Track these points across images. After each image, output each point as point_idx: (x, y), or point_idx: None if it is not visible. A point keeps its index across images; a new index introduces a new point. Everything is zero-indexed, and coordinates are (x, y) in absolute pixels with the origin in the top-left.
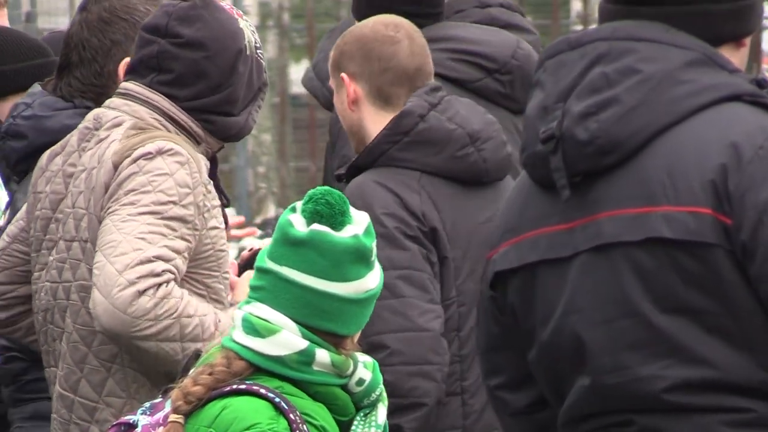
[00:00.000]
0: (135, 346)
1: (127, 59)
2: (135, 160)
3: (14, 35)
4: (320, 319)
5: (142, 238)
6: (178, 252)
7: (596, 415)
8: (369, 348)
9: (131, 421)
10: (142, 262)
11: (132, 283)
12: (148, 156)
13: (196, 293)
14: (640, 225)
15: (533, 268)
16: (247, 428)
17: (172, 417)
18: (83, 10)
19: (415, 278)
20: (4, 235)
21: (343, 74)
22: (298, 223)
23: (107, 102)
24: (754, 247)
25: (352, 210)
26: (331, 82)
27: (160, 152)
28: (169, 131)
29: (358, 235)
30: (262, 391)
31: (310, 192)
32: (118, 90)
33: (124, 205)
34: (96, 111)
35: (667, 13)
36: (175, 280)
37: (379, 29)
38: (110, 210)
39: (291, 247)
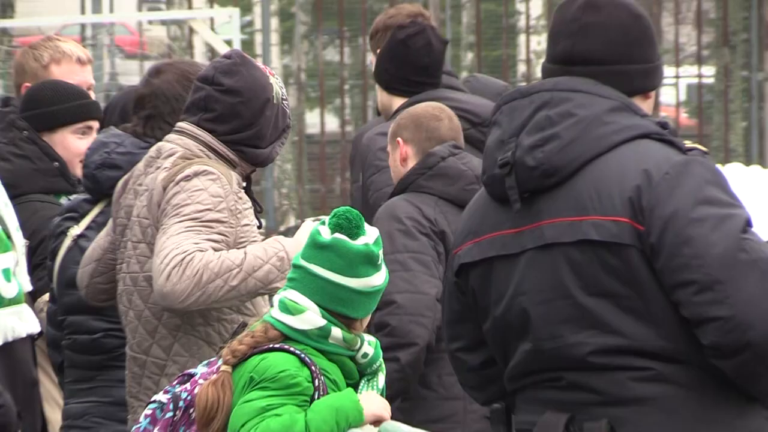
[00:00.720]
0: (196, 309)
1: None
2: (177, 183)
3: (62, 84)
4: (336, 305)
5: (182, 238)
6: (215, 242)
7: (535, 372)
8: (383, 304)
9: (192, 373)
10: (176, 254)
11: (165, 270)
12: (187, 178)
13: None
14: (574, 230)
15: (491, 262)
16: (279, 372)
17: (222, 367)
18: (159, 72)
19: (422, 259)
20: (97, 248)
21: (398, 139)
22: (324, 233)
23: (167, 137)
24: (660, 248)
25: (366, 226)
26: (389, 147)
27: (196, 174)
28: (210, 158)
29: (369, 244)
30: (291, 348)
31: (335, 210)
32: (174, 128)
33: (171, 216)
34: (159, 144)
35: (594, 71)
36: (199, 251)
37: (428, 110)
38: (162, 222)
39: (318, 250)
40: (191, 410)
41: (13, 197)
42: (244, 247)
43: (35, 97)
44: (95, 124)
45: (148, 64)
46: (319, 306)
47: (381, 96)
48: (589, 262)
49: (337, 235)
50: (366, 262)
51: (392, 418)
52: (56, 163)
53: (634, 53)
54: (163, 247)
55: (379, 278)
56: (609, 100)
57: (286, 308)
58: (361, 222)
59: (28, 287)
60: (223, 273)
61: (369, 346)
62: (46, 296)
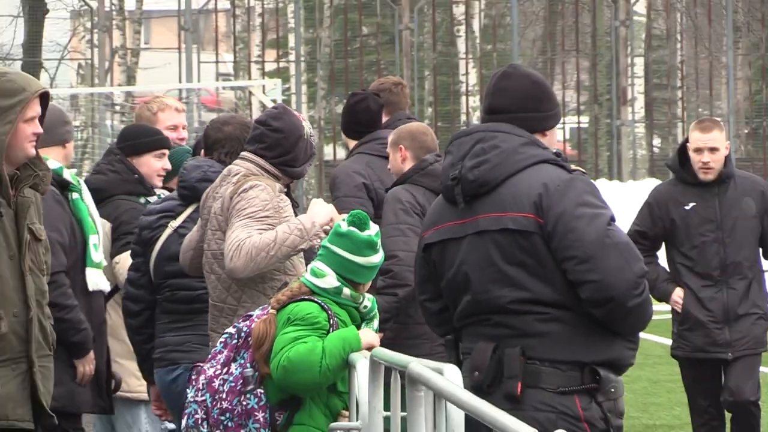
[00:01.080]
0: (252, 275)
1: None
2: (239, 194)
3: (145, 125)
4: (347, 273)
5: (240, 231)
6: (264, 230)
7: (473, 315)
8: (388, 257)
9: (251, 314)
10: (234, 242)
11: (228, 254)
12: (245, 190)
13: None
14: (498, 222)
15: (445, 242)
16: (307, 314)
17: (270, 311)
18: (227, 123)
19: (415, 230)
20: (192, 240)
21: (400, 146)
22: (343, 226)
23: (234, 162)
24: (553, 234)
25: (371, 223)
26: (390, 149)
27: (251, 187)
28: (262, 175)
29: (371, 235)
30: (315, 299)
31: (352, 211)
32: (239, 155)
33: (234, 217)
34: (229, 167)
35: (511, 118)
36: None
37: (420, 128)
38: (230, 221)
39: (337, 237)
40: (249, 339)
41: (106, 198)
42: None
43: (128, 134)
44: (166, 152)
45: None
46: (336, 273)
47: (345, 138)
48: (508, 243)
49: (351, 227)
50: (369, 247)
51: (382, 344)
52: (136, 176)
53: (532, 106)
54: (229, 238)
55: (377, 258)
56: (521, 137)
57: (314, 273)
58: (368, 220)
59: (105, 262)
60: (264, 247)
61: (368, 301)
62: (127, 264)
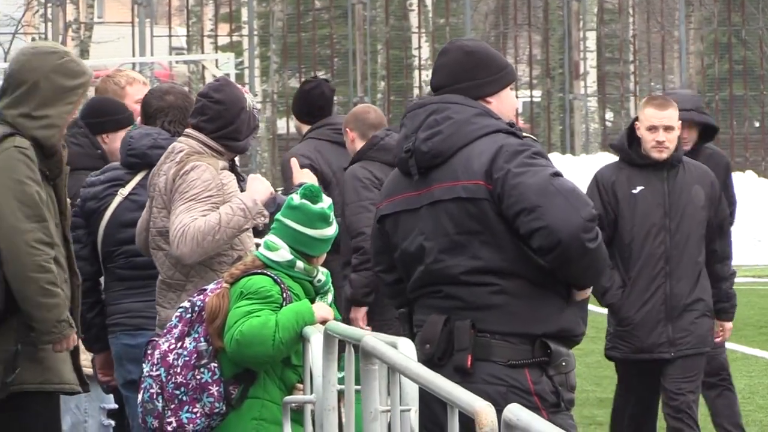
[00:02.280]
0: (200, 260)
1: None
2: (180, 176)
3: (111, 101)
4: (300, 246)
5: (183, 215)
6: (206, 212)
7: (425, 286)
8: (356, 234)
9: (205, 288)
10: (178, 227)
11: (174, 241)
12: (186, 172)
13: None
14: (451, 191)
15: (399, 214)
16: (259, 287)
17: (223, 284)
18: (168, 93)
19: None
20: (144, 221)
21: (347, 129)
22: (295, 198)
23: (179, 138)
24: (502, 194)
25: (324, 196)
26: (344, 137)
27: (192, 168)
28: (204, 153)
29: (324, 207)
30: (268, 272)
31: (305, 184)
32: (184, 132)
33: (177, 200)
34: (173, 143)
35: (459, 89)
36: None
37: (363, 108)
38: (173, 203)
39: (290, 210)
40: (203, 313)
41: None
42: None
43: (97, 109)
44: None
45: None
46: (289, 246)
47: (296, 123)
48: (460, 212)
49: (304, 200)
50: (321, 219)
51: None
52: (99, 151)
53: (467, 76)
54: (173, 224)
55: (330, 230)
56: (474, 108)
57: (267, 246)
58: (320, 193)
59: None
60: (210, 231)
61: (322, 275)
62: None
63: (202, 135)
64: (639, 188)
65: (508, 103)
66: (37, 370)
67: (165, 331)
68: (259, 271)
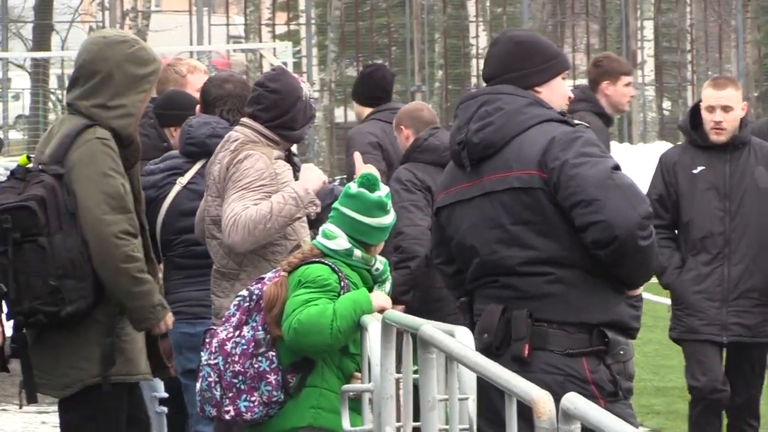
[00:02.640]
0: (252, 249)
1: None
2: (234, 165)
3: (184, 94)
4: (358, 234)
5: (235, 203)
6: (259, 201)
7: (483, 277)
8: (396, 234)
9: (263, 277)
10: (230, 216)
11: (226, 230)
12: (239, 161)
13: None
14: (503, 182)
15: (453, 205)
16: (317, 276)
17: (281, 273)
18: (227, 82)
19: (418, 205)
20: (202, 210)
21: (401, 126)
22: (353, 187)
23: (235, 128)
24: (558, 185)
25: (381, 184)
26: (395, 134)
27: (246, 157)
28: (259, 142)
29: (381, 196)
30: (326, 261)
31: (362, 173)
32: (240, 121)
33: (230, 189)
34: (230, 132)
35: (509, 79)
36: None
37: (417, 106)
38: (227, 192)
39: (348, 198)
40: (261, 301)
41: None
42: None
43: (171, 103)
44: None
45: None
46: (347, 235)
47: (356, 107)
48: (514, 202)
49: (362, 189)
50: (379, 208)
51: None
52: (165, 144)
53: (516, 66)
54: (225, 212)
55: (387, 219)
56: (525, 98)
57: (325, 235)
58: (378, 181)
59: None
60: (261, 220)
61: (380, 264)
62: None
63: (257, 124)
64: (700, 168)
65: (558, 93)
66: (120, 361)
67: (223, 319)
68: (317, 259)
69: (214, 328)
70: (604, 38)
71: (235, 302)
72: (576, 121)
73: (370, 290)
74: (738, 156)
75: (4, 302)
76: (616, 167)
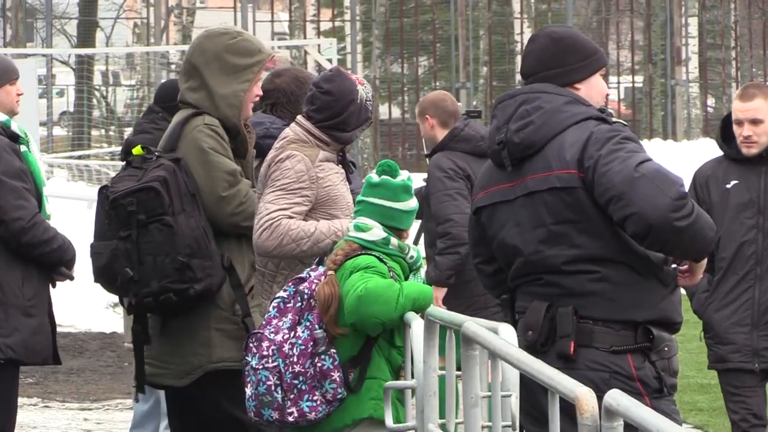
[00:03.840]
0: (276, 255)
1: None
2: (275, 163)
3: None
4: (389, 221)
5: (272, 204)
6: (297, 203)
7: (526, 275)
8: (444, 221)
9: (303, 276)
10: (266, 218)
11: (258, 230)
12: (280, 160)
13: (321, 218)
14: (545, 182)
15: (495, 205)
16: (368, 264)
17: (329, 273)
18: (279, 75)
19: (462, 193)
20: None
21: (426, 115)
22: (375, 177)
23: (290, 126)
24: (592, 182)
25: (402, 171)
26: (418, 121)
27: (288, 157)
28: (308, 141)
29: (404, 180)
30: (373, 253)
31: (379, 162)
32: (296, 119)
33: (268, 187)
34: (285, 130)
35: (539, 78)
36: (287, 218)
37: (441, 96)
38: (265, 187)
39: (372, 188)
40: (312, 301)
41: None
42: (325, 201)
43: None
44: None
45: None
46: (380, 223)
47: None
48: (556, 202)
49: (384, 176)
50: (405, 191)
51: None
52: None
53: (555, 62)
54: (260, 210)
55: (414, 202)
56: (564, 97)
57: (359, 228)
58: (397, 168)
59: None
60: (297, 240)
61: (413, 251)
62: None
63: (308, 123)
64: (733, 183)
65: (597, 89)
66: (233, 348)
67: (265, 323)
68: (362, 252)
69: (260, 331)
70: (649, 35)
71: (275, 304)
72: (614, 119)
73: (406, 278)
74: None
75: (124, 289)
76: (644, 159)
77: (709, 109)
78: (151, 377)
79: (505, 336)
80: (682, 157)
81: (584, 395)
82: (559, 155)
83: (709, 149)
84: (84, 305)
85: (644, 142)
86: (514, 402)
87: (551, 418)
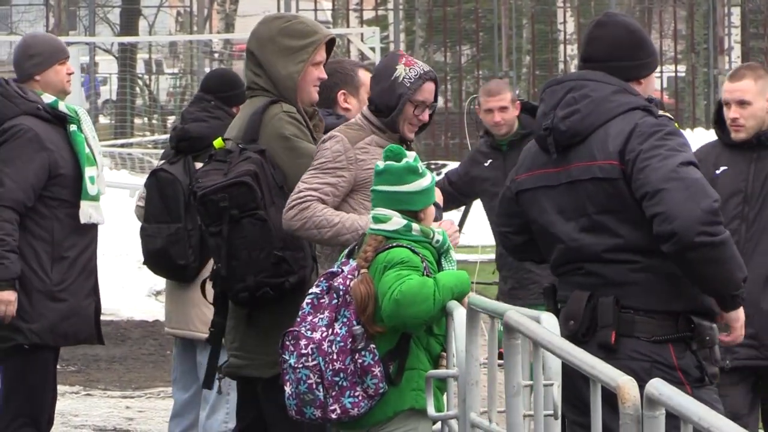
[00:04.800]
0: (299, 235)
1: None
2: (319, 145)
3: (235, 73)
4: (401, 205)
5: (307, 181)
6: (330, 184)
7: (566, 264)
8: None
9: (334, 271)
10: (299, 196)
11: (289, 206)
12: (323, 141)
13: (356, 207)
14: (588, 171)
15: (537, 189)
16: (402, 257)
17: (362, 271)
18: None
19: None
20: None
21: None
22: (380, 164)
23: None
24: (631, 175)
25: (407, 152)
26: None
27: (328, 138)
28: (363, 126)
29: (408, 161)
30: (404, 244)
31: (384, 148)
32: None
33: (310, 167)
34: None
35: (605, 67)
36: (318, 200)
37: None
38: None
39: (379, 176)
40: (347, 297)
41: (208, 145)
42: (365, 186)
43: (229, 82)
44: None
45: None
46: (397, 211)
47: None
48: (597, 191)
49: (388, 162)
50: (409, 172)
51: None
52: None
53: (626, 54)
54: (298, 186)
55: (425, 181)
56: (612, 86)
57: (378, 220)
58: (402, 151)
59: (105, 192)
60: (319, 227)
61: (439, 235)
62: None
63: (367, 110)
64: (722, 168)
65: (651, 88)
66: None
67: (299, 320)
68: (395, 245)
69: (296, 330)
70: (691, 24)
71: (308, 300)
72: (660, 112)
73: (438, 263)
74: (766, 155)
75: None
76: (687, 161)
77: None
78: (235, 368)
79: (547, 325)
80: None
81: (626, 384)
82: (603, 145)
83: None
84: (127, 293)
85: (687, 132)
86: (556, 391)
87: (593, 407)
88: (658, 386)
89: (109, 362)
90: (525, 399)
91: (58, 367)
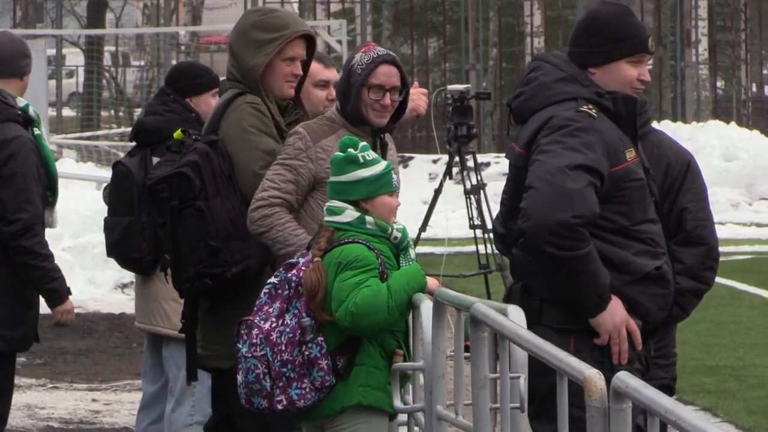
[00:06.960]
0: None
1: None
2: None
3: (196, 64)
4: (341, 195)
5: (268, 179)
6: (290, 182)
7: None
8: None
9: (293, 262)
10: (262, 196)
11: (253, 205)
12: (288, 135)
13: (313, 206)
14: (512, 154)
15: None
16: (357, 255)
17: (315, 259)
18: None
19: None
20: None
21: None
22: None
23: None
24: (527, 167)
25: (360, 143)
26: None
27: (292, 134)
28: (336, 121)
29: (351, 151)
30: (359, 240)
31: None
32: None
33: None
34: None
35: (570, 55)
36: (283, 203)
37: None
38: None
39: (330, 168)
40: (300, 288)
41: (165, 138)
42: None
43: (183, 73)
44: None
45: None
46: (350, 203)
47: None
48: (514, 176)
49: (336, 152)
50: (348, 162)
51: None
52: (193, 114)
53: (579, 41)
54: (262, 183)
55: (365, 171)
56: (561, 72)
57: (332, 212)
58: (353, 141)
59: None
60: (276, 242)
61: (398, 231)
62: None
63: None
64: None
65: (614, 78)
66: None
67: (255, 309)
68: (351, 239)
69: (251, 319)
70: (659, 17)
71: (266, 290)
72: (582, 108)
73: (396, 259)
74: None
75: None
76: (578, 166)
77: (719, 92)
78: (201, 359)
79: (513, 317)
80: (692, 139)
81: (593, 377)
82: (524, 133)
83: (718, 131)
84: (93, 286)
85: (654, 124)
86: (523, 384)
87: (559, 400)
88: (624, 379)
89: (75, 355)
90: (491, 392)
91: (24, 359)
